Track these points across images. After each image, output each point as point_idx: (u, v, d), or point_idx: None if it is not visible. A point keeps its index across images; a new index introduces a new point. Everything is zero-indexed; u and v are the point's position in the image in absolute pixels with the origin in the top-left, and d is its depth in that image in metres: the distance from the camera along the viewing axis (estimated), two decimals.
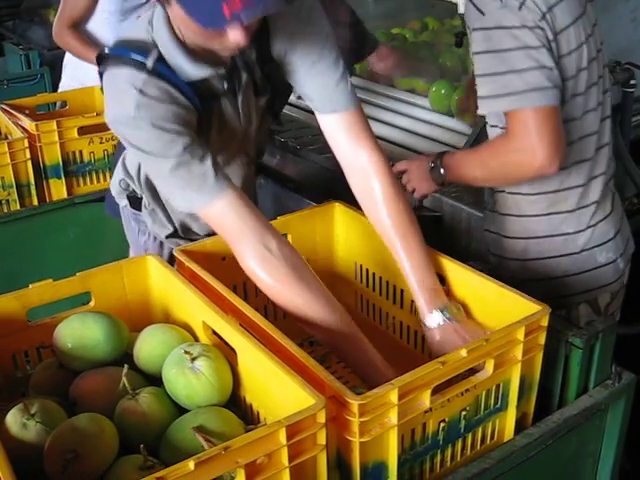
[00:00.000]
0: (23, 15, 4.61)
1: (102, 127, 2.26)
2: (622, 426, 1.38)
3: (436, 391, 1.13)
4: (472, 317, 1.41)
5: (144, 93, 1.32)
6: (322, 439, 1.04)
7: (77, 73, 2.86)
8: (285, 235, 1.57)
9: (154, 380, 1.30)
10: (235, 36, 1.20)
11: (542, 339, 1.25)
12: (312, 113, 1.52)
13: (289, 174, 2.48)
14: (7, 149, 2.28)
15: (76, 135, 2.40)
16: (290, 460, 1.01)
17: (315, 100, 1.48)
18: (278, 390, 1.12)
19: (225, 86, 1.45)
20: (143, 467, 1.08)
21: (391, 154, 1.58)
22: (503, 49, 1.42)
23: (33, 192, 2.39)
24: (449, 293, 1.43)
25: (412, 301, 1.51)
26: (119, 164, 1.77)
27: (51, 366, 1.35)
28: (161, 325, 1.39)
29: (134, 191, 1.76)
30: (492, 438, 1.28)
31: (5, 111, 2.53)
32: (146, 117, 1.31)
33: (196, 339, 1.35)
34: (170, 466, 0.94)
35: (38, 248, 2.34)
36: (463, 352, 1.13)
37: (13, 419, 1.15)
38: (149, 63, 1.33)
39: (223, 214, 1.35)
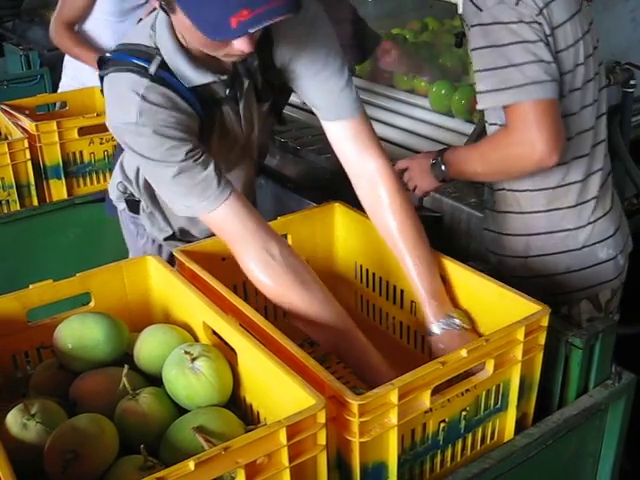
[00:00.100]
0: (23, 15, 4.61)
1: (102, 128, 2.23)
2: (622, 426, 1.38)
3: (436, 391, 1.13)
4: (474, 320, 1.41)
5: (146, 99, 1.31)
6: (322, 439, 1.04)
7: (77, 73, 2.86)
8: (285, 235, 1.58)
9: (154, 380, 1.30)
10: (240, 45, 1.19)
11: (542, 339, 1.25)
12: (312, 113, 1.51)
13: (289, 174, 2.48)
14: (7, 149, 2.28)
15: (76, 136, 2.40)
16: (290, 460, 1.01)
17: (320, 107, 1.47)
18: (278, 390, 1.12)
19: (227, 92, 1.44)
20: (143, 467, 1.08)
21: (391, 154, 1.58)
22: (501, 44, 1.44)
23: (33, 193, 2.38)
24: (450, 294, 1.43)
25: (412, 301, 1.51)
26: (117, 167, 1.76)
27: (51, 366, 1.35)
28: (161, 325, 1.39)
29: (132, 194, 1.75)
30: (492, 438, 1.28)
31: (5, 111, 2.53)
32: (148, 123, 1.30)
33: (196, 339, 1.35)
34: (170, 466, 0.94)
35: (38, 249, 2.33)
36: (463, 352, 1.13)
37: (13, 419, 1.15)
38: (152, 69, 1.32)
39: (225, 219, 1.35)
